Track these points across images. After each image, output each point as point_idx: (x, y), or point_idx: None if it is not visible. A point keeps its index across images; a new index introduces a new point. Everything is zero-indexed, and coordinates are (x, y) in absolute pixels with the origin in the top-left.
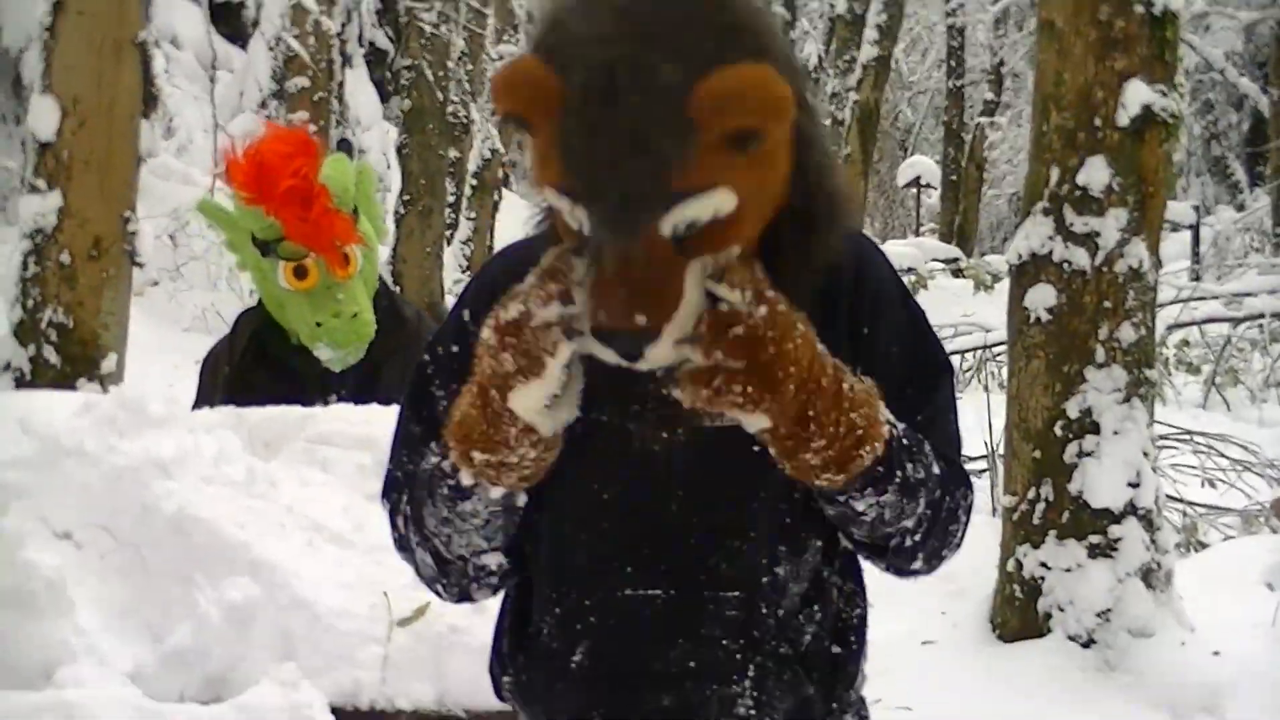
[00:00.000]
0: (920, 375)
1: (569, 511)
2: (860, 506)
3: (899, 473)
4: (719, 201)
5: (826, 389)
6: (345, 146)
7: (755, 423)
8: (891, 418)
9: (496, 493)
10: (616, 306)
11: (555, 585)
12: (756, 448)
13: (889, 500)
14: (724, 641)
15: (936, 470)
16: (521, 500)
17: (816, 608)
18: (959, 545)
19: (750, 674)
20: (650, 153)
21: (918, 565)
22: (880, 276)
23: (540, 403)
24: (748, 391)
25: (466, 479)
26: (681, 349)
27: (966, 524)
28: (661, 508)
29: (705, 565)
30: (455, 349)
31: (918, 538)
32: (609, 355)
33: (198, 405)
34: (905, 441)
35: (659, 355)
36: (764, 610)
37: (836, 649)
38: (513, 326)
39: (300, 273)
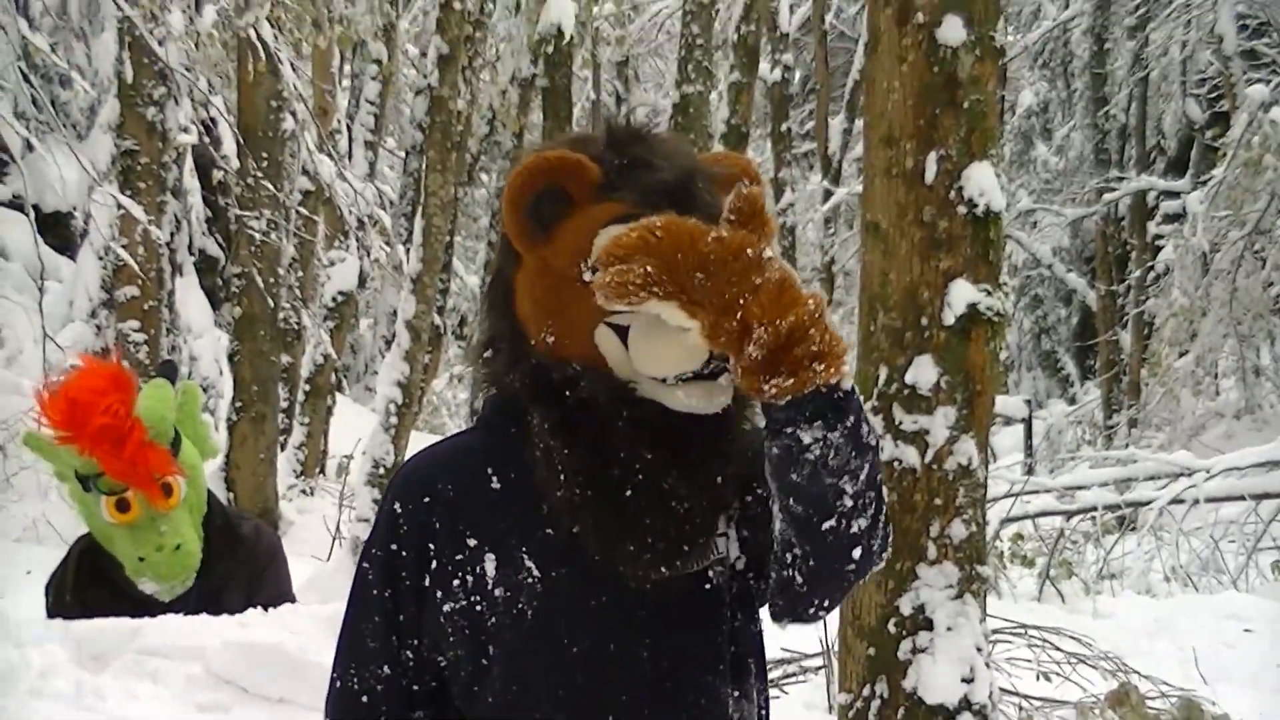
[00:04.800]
0: None
1: (538, 671)
2: (806, 438)
3: (853, 417)
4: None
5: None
6: (169, 368)
7: (659, 309)
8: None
9: None
10: None
11: None
12: (707, 585)
13: (836, 442)
14: None
15: (882, 458)
16: None
17: None
18: (871, 567)
19: None
20: (697, 163)
21: (846, 563)
22: None
23: None
24: (644, 270)
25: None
26: None
27: (883, 551)
28: (632, 655)
29: (685, 704)
30: (393, 546)
31: (856, 526)
32: (701, 348)
33: None
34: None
35: None
36: None
37: None
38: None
39: (122, 506)
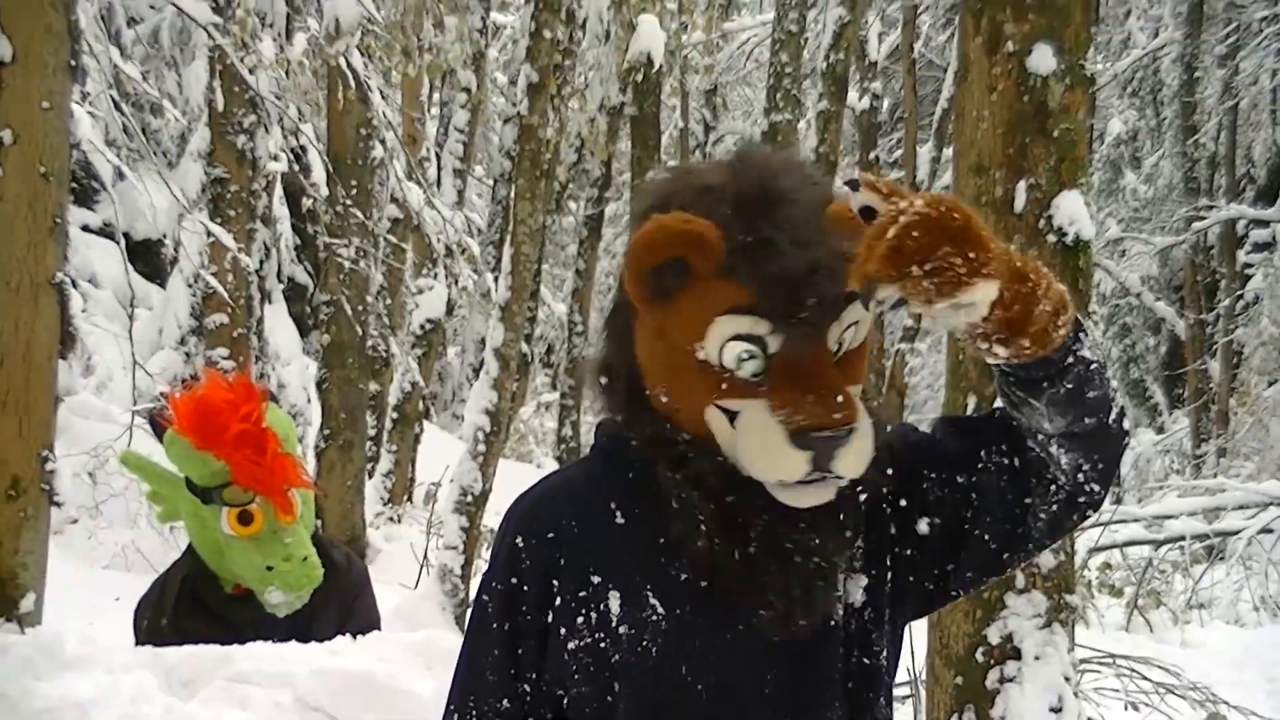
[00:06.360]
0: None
1: (664, 708)
2: (1086, 353)
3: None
4: (864, 312)
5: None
6: (266, 396)
7: (985, 292)
8: None
9: None
10: (812, 406)
11: None
12: (831, 622)
13: (1090, 341)
14: None
15: None
16: None
17: None
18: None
19: None
20: (824, 252)
21: (1123, 438)
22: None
23: None
24: (966, 256)
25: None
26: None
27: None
28: (757, 691)
29: None
30: (514, 580)
31: (1119, 404)
32: (800, 464)
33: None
34: None
35: (849, 462)
36: None
37: None
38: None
39: (245, 519)
